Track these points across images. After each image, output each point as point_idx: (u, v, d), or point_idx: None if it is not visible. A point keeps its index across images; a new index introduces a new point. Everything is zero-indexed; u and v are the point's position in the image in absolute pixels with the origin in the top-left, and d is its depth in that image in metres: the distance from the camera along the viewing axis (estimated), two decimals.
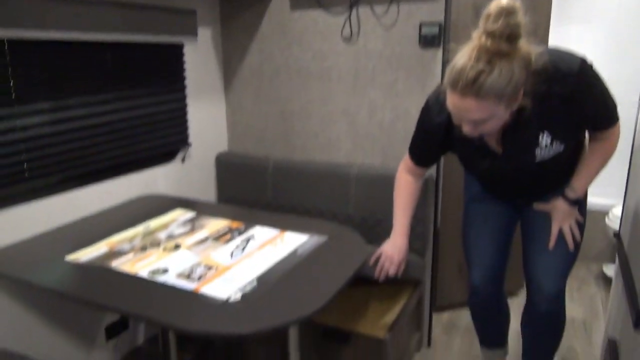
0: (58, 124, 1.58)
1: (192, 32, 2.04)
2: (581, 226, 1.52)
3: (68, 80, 1.61)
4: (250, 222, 1.61)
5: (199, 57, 2.19)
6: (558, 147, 1.31)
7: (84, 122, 1.67)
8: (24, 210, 1.54)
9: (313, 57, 2.14)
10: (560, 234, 1.50)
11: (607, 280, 2.80)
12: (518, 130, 1.29)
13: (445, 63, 1.90)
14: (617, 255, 1.70)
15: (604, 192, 3.07)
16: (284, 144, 2.30)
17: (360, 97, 2.08)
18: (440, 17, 1.89)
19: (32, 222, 1.56)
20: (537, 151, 1.31)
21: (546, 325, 1.62)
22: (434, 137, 1.42)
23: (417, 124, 1.48)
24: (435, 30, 1.90)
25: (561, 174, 1.45)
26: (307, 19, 2.11)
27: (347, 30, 2.05)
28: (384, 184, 1.96)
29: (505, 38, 1.06)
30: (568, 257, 1.53)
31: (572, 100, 1.22)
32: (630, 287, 1.31)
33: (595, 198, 3.00)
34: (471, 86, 1.08)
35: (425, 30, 1.92)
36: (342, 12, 2.04)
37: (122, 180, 1.88)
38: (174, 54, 2.02)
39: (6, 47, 1.40)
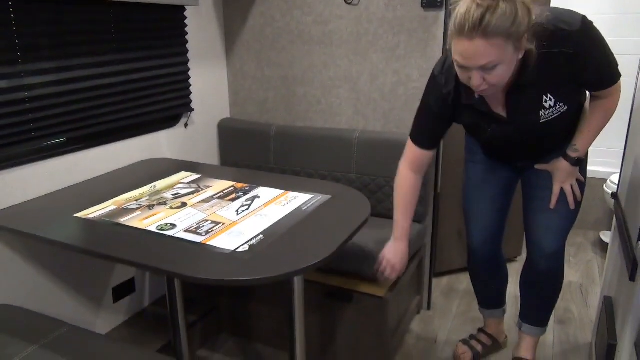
0: (62, 84, 1.59)
1: None
2: (582, 185, 1.55)
3: (72, 40, 1.60)
4: (254, 183, 1.63)
5: (201, 21, 2.18)
6: (562, 108, 1.32)
7: (88, 83, 1.67)
8: (30, 170, 1.56)
9: (314, 21, 2.13)
10: (561, 193, 1.53)
11: (603, 247, 2.84)
12: (522, 93, 1.30)
13: (447, 25, 1.90)
14: (614, 216, 1.73)
15: (602, 161, 3.10)
16: (286, 110, 2.30)
17: (361, 62, 2.08)
18: None
19: (38, 182, 1.58)
20: (542, 112, 1.33)
21: (545, 282, 1.66)
22: (442, 107, 1.40)
23: (422, 99, 1.45)
24: None
25: (564, 134, 1.47)
26: None
27: None
28: (386, 149, 1.98)
29: None
30: (568, 216, 1.56)
31: (575, 59, 1.22)
32: (627, 242, 1.34)
33: (594, 167, 3.02)
34: (478, 26, 1.06)
35: None
36: None
37: (126, 144, 1.89)
38: (175, 16, 2.01)
39: (10, 3, 1.40)
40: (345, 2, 2.05)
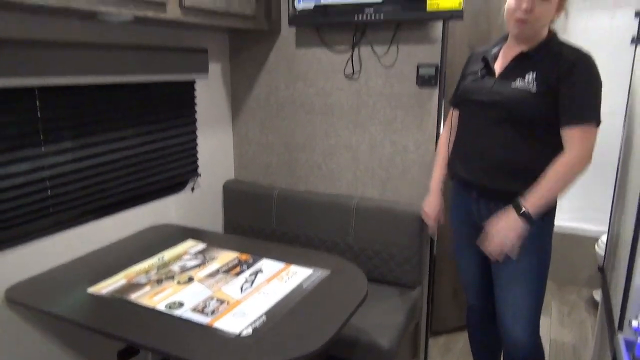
0: (80, 161, 1.70)
1: (204, 69, 2.16)
2: (544, 264, 1.59)
3: (89, 120, 1.72)
4: (257, 255, 1.72)
5: (209, 91, 2.31)
6: (532, 87, 1.46)
7: (103, 158, 1.78)
8: (46, 242, 1.65)
9: (317, 93, 2.26)
10: (523, 275, 1.56)
11: (597, 306, 2.90)
12: (522, 61, 1.51)
13: (441, 102, 2.03)
14: (601, 290, 1.80)
15: (594, 218, 3.18)
16: (289, 174, 2.41)
17: (361, 132, 2.20)
18: (437, 59, 2.01)
19: (54, 253, 1.67)
20: (518, 80, 1.49)
21: None
22: (466, 65, 1.71)
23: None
24: (432, 71, 2.03)
25: (519, 150, 1.49)
26: (312, 56, 2.24)
27: (349, 69, 2.17)
28: (382, 217, 2.08)
29: None
30: (534, 300, 1.59)
31: (572, 67, 1.42)
32: (611, 323, 1.41)
33: (585, 224, 3.11)
34: None
35: (422, 71, 2.05)
36: (344, 50, 2.17)
37: (136, 210, 1.99)
38: (186, 90, 2.14)
39: (36, 93, 1.52)
40: (346, 76, 2.18)
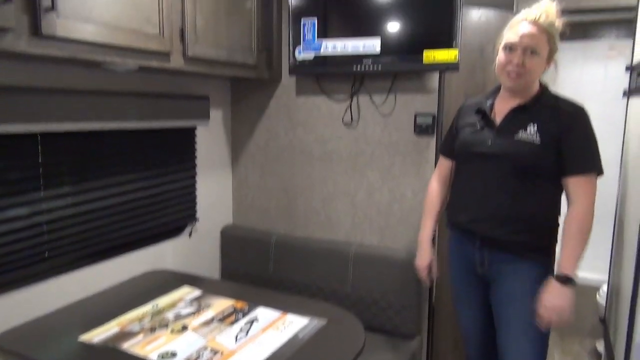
0: (78, 206, 1.70)
1: (205, 116, 2.20)
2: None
3: (90, 165, 1.74)
4: (253, 303, 1.69)
5: (210, 137, 2.34)
6: (535, 139, 1.49)
7: (101, 203, 1.79)
8: (40, 288, 1.63)
9: (316, 140, 2.29)
10: (526, 326, 1.54)
11: (600, 357, 2.82)
12: (520, 113, 1.54)
13: (437, 149, 2.05)
14: (604, 341, 1.77)
15: (594, 267, 3.15)
16: (287, 219, 2.41)
17: (359, 179, 2.22)
18: (434, 109, 2.06)
19: (48, 299, 1.64)
20: (521, 132, 1.52)
21: None
22: (457, 117, 1.74)
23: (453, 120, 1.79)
24: (429, 120, 2.07)
25: (523, 200, 1.51)
26: (311, 104, 2.28)
27: (348, 117, 2.21)
28: (380, 265, 2.06)
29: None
30: (537, 351, 1.57)
31: (570, 119, 1.48)
32: None
33: (586, 273, 3.07)
34: (539, 20, 1.48)
35: (419, 120, 2.08)
36: (343, 99, 2.21)
37: (132, 255, 1.97)
38: (187, 136, 2.17)
39: (39, 139, 1.54)
40: (344, 124, 2.22)
